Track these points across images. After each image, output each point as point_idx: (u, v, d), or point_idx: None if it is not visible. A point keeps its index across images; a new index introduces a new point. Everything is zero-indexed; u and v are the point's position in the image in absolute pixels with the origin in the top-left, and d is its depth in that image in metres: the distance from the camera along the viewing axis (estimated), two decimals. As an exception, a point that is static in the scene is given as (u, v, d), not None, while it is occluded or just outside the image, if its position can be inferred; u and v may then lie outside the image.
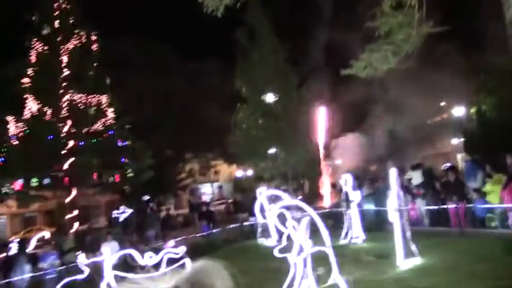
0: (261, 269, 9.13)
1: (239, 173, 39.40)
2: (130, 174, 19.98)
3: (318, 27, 22.77)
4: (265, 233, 11.28)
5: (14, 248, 14.58)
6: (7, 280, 11.73)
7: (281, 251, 6.71)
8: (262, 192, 7.92)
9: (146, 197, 31.56)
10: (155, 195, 33.51)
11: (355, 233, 11.76)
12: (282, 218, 6.93)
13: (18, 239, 17.32)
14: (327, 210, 14.90)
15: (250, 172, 31.19)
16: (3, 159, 18.46)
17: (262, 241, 13.43)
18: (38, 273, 11.94)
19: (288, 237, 6.83)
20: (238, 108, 23.26)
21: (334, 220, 13.23)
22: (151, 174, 20.78)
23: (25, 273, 11.84)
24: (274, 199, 7.28)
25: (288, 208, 6.95)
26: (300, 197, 15.30)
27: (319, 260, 6.92)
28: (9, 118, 18.85)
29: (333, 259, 6.77)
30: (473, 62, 18.15)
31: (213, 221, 18.23)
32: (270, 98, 22.26)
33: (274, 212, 6.86)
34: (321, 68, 21.56)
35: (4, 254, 14.30)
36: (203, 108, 30.52)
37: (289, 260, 6.79)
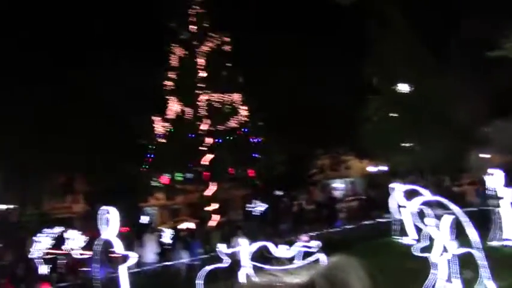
0: (398, 269, 8.67)
1: (372, 168, 38.10)
2: (263, 170, 20.61)
3: (457, 8, 20.76)
4: (402, 230, 10.69)
5: (167, 236, 16.24)
6: (165, 263, 13.14)
7: (420, 250, 6.27)
8: (398, 188, 7.50)
9: (279, 192, 32.41)
10: (287, 190, 34.17)
11: (507, 235, 10.52)
12: (421, 215, 6.47)
13: (170, 229, 19.23)
14: (474, 208, 13.56)
15: (384, 167, 29.98)
16: (152, 155, 20.46)
17: (399, 239, 12.75)
18: (187, 260, 13.09)
19: (428, 236, 6.35)
20: (369, 100, 22.43)
21: (482, 219, 11.97)
22: (283, 170, 21.20)
23: (180, 259, 13.12)
24: (411, 195, 6.85)
25: (428, 205, 6.46)
26: (441, 193, 14.18)
27: (466, 262, 6.29)
28: (156, 118, 20.80)
29: (482, 262, 6.09)
30: None
31: (337, 217, 17.98)
32: (404, 87, 21.04)
33: (412, 208, 6.43)
34: (463, 51, 19.61)
35: (158, 241, 15.97)
36: (333, 101, 30.13)
37: (429, 260, 6.30)
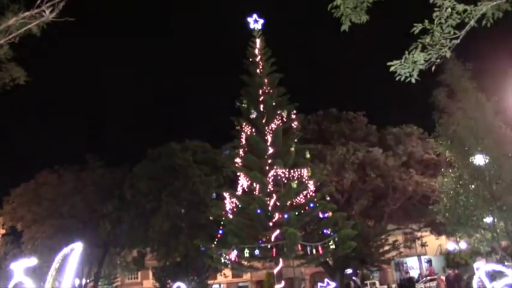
0: None
1: (450, 246, 35.70)
2: (332, 246, 19.94)
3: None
4: (489, 316, 9.73)
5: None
6: None
7: None
8: (481, 268, 7.00)
9: (349, 270, 30.86)
10: (358, 269, 32.53)
11: None
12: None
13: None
14: None
15: (463, 244, 28.01)
16: (221, 231, 20.62)
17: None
18: None
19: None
20: (442, 173, 21.53)
21: None
22: (353, 246, 20.39)
23: None
24: (496, 276, 6.36)
25: (515, 287, 5.95)
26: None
27: None
28: (226, 194, 21.21)
29: None
30: None
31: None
32: (479, 159, 20.03)
33: (498, 291, 5.94)
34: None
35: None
36: (403, 175, 29.27)
37: None
